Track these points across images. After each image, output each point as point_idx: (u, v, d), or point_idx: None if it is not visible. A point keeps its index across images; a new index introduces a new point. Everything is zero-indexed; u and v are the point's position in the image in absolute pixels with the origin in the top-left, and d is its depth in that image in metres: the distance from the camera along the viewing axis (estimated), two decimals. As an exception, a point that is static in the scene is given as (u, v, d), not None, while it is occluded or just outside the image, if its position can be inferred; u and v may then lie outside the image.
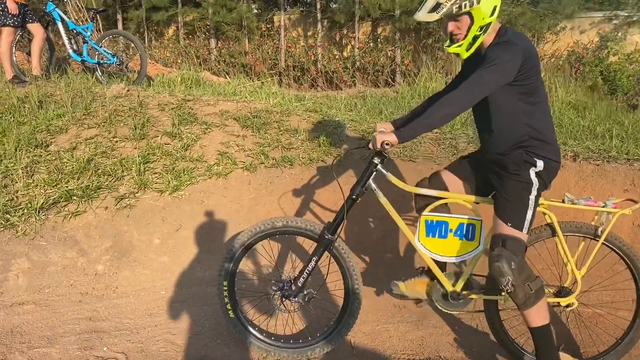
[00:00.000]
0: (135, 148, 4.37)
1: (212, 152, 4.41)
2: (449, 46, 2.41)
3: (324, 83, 11.91)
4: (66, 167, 4.12)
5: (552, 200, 2.68)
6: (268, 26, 12.89)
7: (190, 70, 7.29)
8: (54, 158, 4.22)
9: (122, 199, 3.94)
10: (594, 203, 2.64)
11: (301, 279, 2.69)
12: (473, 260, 2.68)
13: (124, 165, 4.18)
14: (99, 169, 4.12)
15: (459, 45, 2.38)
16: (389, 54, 11.86)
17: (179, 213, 3.96)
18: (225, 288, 2.77)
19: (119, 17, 12.64)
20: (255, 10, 13.17)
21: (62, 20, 5.87)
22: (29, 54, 5.89)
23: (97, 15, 6.53)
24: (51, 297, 3.33)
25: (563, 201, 2.66)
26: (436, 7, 2.30)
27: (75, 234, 3.70)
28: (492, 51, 2.29)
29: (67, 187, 3.93)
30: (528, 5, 10.69)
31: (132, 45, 6.73)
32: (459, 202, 2.67)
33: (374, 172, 2.57)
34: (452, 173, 2.77)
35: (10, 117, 4.68)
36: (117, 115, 4.72)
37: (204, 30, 12.53)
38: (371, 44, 12.26)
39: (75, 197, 3.86)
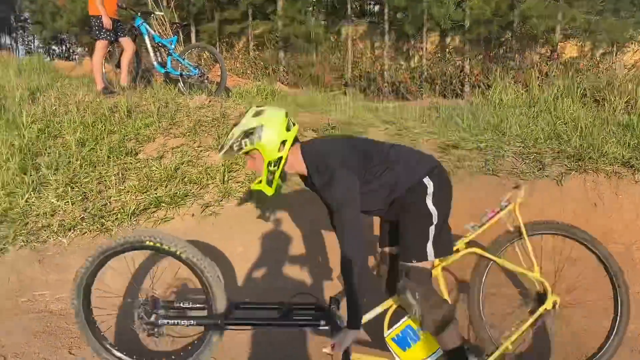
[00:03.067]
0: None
1: (292, 163, 4.47)
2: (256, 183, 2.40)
3: (390, 93, 11.88)
4: (155, 174, 4.29)
5: (461, 241, 2.62)
6: (336, 37, 13.03)
7: (264, 81, 7.46)
8: (143, 166, 4.42)
9: (207, 206, 4.06)
10: (492, 213, 2.65)
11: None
12: None
13: (209, 174, 4.31)
14: (185, 177, 4.27)
15: (259, 182, 2.37)
16: (458, 64, 11.69)
17: (261, 222, 4.03)
18: None
19: (193, 29, 13.16)
20: (323, 22, 13.36)
21: (149, 33, 6.15)
22: (117, 66, 6.20)
23: (180, 29, 6.81)
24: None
25: (468, 234, 2.62)
26: (222, 148, 2.36)
27: (164, 239, 3.84)
28: (325, 190, 2.28)
29: (156, 194, 4.09)
30: (609, 13, 10.27)
31: (210, 56, 7.00)
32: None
33: None
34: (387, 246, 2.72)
35: (102, 126, 4.94)
36: (201, 126, 4.88)
37: (273, 42, 12.84)
38: (439, 55, 12.14)
39: (164, 204, 4.02)
